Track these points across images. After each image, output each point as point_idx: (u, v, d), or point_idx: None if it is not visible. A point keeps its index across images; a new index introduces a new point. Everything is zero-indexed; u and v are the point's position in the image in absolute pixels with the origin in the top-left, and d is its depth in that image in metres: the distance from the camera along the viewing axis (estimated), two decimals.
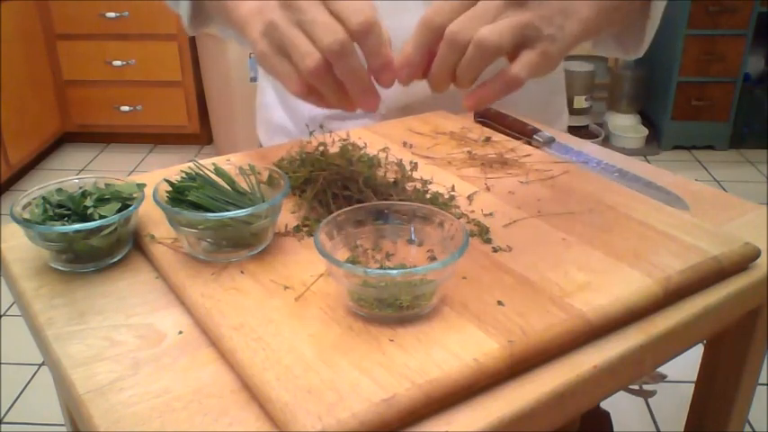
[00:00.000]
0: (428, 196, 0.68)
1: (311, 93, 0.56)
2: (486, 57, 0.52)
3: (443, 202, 0.68)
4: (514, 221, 0.65)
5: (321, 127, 0.88)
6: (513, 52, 0.54)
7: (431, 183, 0.72)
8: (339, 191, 0.67)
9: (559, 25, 0.54)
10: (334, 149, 0.75)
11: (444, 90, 0.56)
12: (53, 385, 0.70)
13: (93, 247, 0.58)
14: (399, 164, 0.76)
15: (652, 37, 0.76)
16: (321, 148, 0.74)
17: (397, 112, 0.93)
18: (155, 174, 0.72)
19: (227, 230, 0.57)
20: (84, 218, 0.59)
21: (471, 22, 0.52)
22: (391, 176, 0.72)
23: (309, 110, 0.97)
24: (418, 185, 0.71)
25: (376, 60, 0.54)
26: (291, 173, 0.70)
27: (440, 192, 0.69)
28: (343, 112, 0.94)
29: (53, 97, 3.11)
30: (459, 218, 0.63)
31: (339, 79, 0.54)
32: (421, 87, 0.91)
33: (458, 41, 0.52)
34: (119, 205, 0.60)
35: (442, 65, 0.53)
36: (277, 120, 1.03)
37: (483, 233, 0.62)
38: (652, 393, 1.28)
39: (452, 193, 0.70)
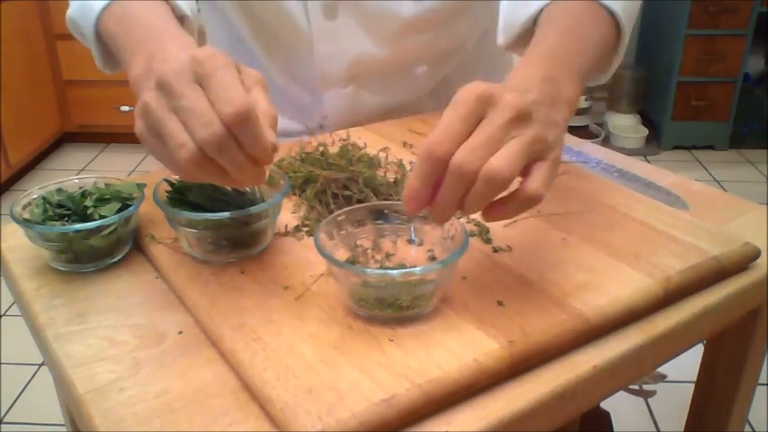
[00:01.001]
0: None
1: (194, 176, 0.51)
2: (497, 189, 0.48)
3: None
4: (514, 221, 0.65)
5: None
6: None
7: None
8: (339, 191, 0.67)
9: (555, 122, 0.51)
10: (333, 149, 0.75)
11: (447, 221, 0.51)
12: (53, 385, 0.70)
13: (93, 247, 0.58)
14: (399, 164, 0.76)
15: (615, 68, 0.73)
16: (321, 149, 0.74)
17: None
18: (155, 174, 0.72)
19: (227, 230, 0.57)
20: (84, 218, 0.59)
21: (477, 151, 0.47)
22: (391, 176, 0.72)
23: None
24: None
25: (253, 150, 0.49)
26: (291, 173, 0.70)
27: None
28: (293, 130, 0.94)
29: (53, 97, 3.11)
30: (458, 218, 0.63)
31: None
32: (366, 107, 0.91)
33: (465, 173, 0.47)
34: (119, 205, 0.60)
35: (448, 197, 0.48)
36: None
37: (483, 233, 0.62)
38: (652, 393, 1.28)
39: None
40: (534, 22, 0.65)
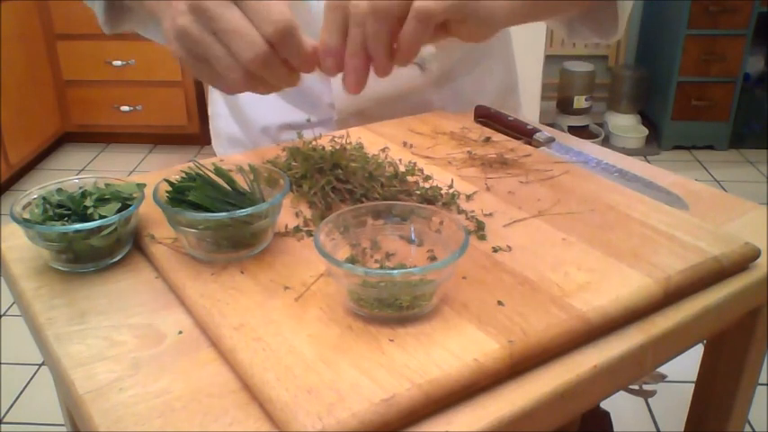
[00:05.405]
0: (427, 186, 0.68)
1: (241, 91, 0.54)
2: (381, 16, 0.49)
3: (445, 202, 0.68)
4: (514, 221, 0.65)
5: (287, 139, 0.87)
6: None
7: (431, 178, 0.72)
8: (340, 185, 0.67)
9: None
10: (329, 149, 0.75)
11: (361, 81, 0.53)
12: (53, 385, 0.70)
13: (93, 247, 0.58)
14: (399, 163, 0.76)
15: (626, 18, 0.74)
16: (322, 145, 0.74)
17: (352, 119, 0.92)
18: (155, 174, 0.72)
19: (227, 230, 0.57)
20: (84, 218, 0.59)
21: None
22: (391, 170, 0.72)
23: (261, 121, 0.96)
24: (419, 180, 0.71)
25: (296, 61, 0.52)
26: (290, 166, 0.70)
27: (440, 187, 0.70)
28: (297, 122, 0.95)
29: (53, 97, 3.11)
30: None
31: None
32: (373, 92, 0.92)
33: (361, 9, 0.49)
34: (119, 205, 0.60)
35: (375, 39, 0.50)
36: (229, 131, 1.01)
37: (479, 229, 0.62)
38: (652, 393, 1.28)
39: (453, 191, 0.70)
40: None
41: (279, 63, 0.51)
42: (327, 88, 0.92)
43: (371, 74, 0.86)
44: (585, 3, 0.69)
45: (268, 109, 0.96)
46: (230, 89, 0.54)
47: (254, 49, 0.50)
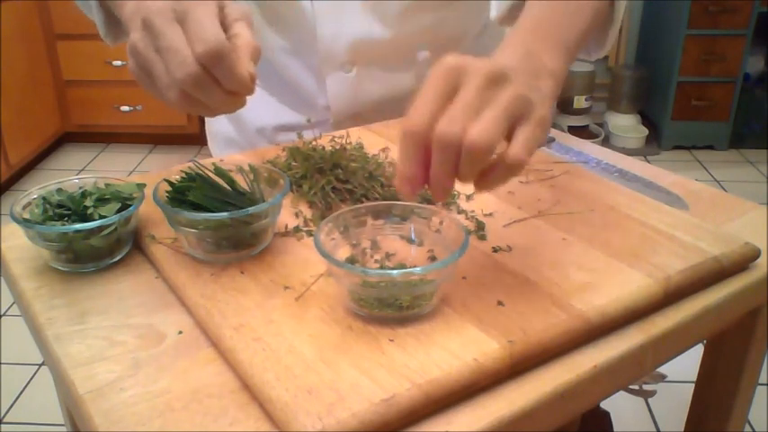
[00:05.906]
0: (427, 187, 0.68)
1: (185, 111, 0.55)
2: (480, 158, 0.47)
3: (445, 202, 0.68)
4: (514, 221, 0.65)
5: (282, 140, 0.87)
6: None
7: None
8: (341, 185, 0.67)
9: (538, 88, 0.51)
10: (330, 149, 0.75)
11: (448, 197, 0.51)
12: (53, 385, 0.70)
13: (93, 247, 0.58)
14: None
15: (614, 40, 0.74)
16: (322, 145, 0.74)
17: (347, 121, 0.93)
18: (155, 174, 0.72)
19: (227, 230, 0.57)
20: (84, 218, 0.59)
21: (456, 120, 0.46)
22: (391, 170, 0.72)
23: (257, 122, 0.96)
24: None
25: (229, 85, 0.52)
26: (290, 166, 0.70)
27: None
28: (293, 124, 0.95)
29: (53, 97, 3.11)
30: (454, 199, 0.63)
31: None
32: (368, 94, 0.91)
33: (447, 144, 0.46)
34: (119, 205, 0.60)
35: (441, 171, 0.47)
36: (225, 132, 1.01)
37: (479, 229, 0.62)
38: (652, 393, 1.28)
39: (453, 191, 0.69)
40: None
41: (212, 84, 0.51)
42: (323, 91, 0.92)
43: (369, 77, 0.86)
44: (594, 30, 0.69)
45: (264, 110, 0.96)
46: (173, 107, 0.54)
47: (184, 69, 0.50)
